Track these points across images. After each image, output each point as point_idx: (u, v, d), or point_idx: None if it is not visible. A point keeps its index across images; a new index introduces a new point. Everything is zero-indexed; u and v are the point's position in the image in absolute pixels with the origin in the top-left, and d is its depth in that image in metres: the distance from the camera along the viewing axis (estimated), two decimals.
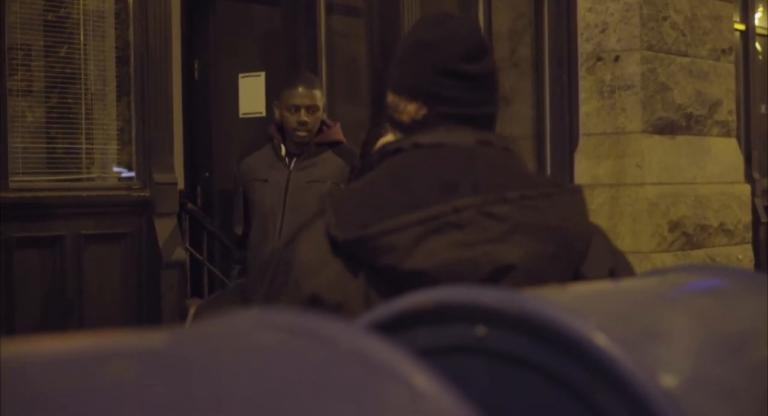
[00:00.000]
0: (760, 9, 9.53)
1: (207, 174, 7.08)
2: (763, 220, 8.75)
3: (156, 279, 5.40)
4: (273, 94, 6.45)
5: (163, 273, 5.41)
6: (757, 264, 8.20)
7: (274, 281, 1.87)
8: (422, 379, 0.83)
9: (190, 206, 6.28)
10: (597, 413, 1.05)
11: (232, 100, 6.66)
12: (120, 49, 5.56)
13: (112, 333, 0.87)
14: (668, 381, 1.07)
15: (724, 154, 7.79)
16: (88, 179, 5.44)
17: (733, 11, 8.26)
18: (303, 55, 6.44)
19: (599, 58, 7.16)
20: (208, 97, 7.05)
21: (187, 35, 6.73)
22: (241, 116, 6.52)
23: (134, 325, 5.13)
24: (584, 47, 7.22)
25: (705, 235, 7.39)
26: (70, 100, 5.43)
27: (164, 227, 5.45)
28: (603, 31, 7.15)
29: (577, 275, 1.83)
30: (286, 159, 4.98)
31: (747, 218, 7.90)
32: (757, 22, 9.38)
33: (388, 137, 4.21)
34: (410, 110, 1.97)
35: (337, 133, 5.03)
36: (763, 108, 9.43)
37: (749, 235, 7.95)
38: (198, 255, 6.33)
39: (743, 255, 7.81)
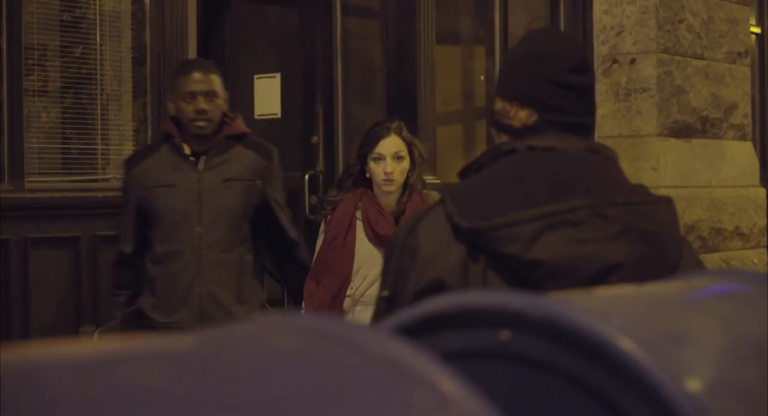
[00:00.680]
0: None
1: None
2: None
3: None
4: (289, 95, 6.47)
5: None
6: None
7: (399, 266, 2.01)
8: (448, 384, 0.83)
9: None
10: None
11: (248, 102, 6.65)
12: (136, 50, 5.56)
13: (137, 336, 0.87)
14: (692, 385, 1.07)
15: (740, 157, 7.76)
16: (103, 180, 5.44)
17: (750, 14, 8.23)
18: (319, 56, 6.44)
19: (615, 61, 7.14)
20: None
21: (202, 36, 6.74)
22: (256, 117, 6.51)
23: None
24: (600, 50, 7.21)
25: (720, 239, 7.36)
26: (85, 101, 5.44)
27: None
28: (619, 33, 7.13)
29: None
30: (192, 159, 4.35)
31: (762, 221, 7.87)
32: None
33: (389, 140, 4.23)
34: (521, 115, 2.13)
35: (242, 125, 4.47)
36: None
37: (764, 239, 7.91)
38: None
39: (758, 259, 7.78)
